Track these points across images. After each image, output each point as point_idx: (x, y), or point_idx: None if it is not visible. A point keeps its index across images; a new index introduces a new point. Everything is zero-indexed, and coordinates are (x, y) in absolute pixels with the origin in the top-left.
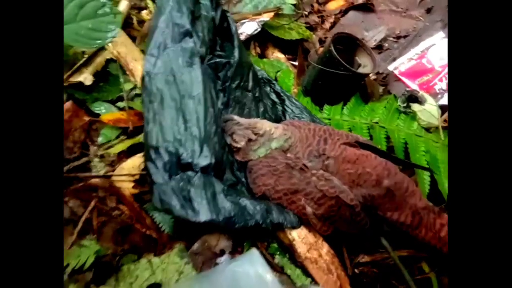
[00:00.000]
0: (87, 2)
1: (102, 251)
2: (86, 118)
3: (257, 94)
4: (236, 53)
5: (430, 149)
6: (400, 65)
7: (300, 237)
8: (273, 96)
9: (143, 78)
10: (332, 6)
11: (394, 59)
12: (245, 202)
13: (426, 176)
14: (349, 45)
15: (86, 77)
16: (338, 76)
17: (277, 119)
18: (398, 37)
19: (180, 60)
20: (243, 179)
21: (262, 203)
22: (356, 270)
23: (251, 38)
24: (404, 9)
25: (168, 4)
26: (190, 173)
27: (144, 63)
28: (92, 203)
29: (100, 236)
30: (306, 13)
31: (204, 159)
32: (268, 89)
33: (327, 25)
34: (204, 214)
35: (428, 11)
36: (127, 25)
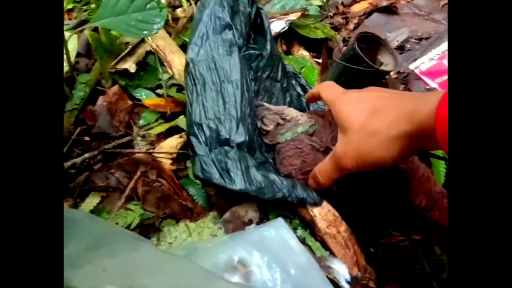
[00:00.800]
0: None
1: (146, 215)
2: (129, 102)
3: (284, 85)
4: (268, 46)
5: None
6: (420, 65)
7: (320, 214)
8: (299, 89)
9: (187, 65)
10: (356, 8)
11: (415, 59)
12: (274, 177)
13: (442, 168)
14: (372, 44)
15: (130, 65)
16: (360, 72)
17: (302, 109)
18: (420, 39)
19: (220, 49)
20: (271, 160)
21: (289, 180)
22: (371, 249)
23: (278, 35)
24: (427, 13)
25: (211, 0)
26: (227, 148)
27: (188, 51)
28: (138, 173)
29: (144, 202)
30: (331, 14)
31: (240, 136)
32: (294, 82)
33: (351, 26)
34: (239, 183)
35: None
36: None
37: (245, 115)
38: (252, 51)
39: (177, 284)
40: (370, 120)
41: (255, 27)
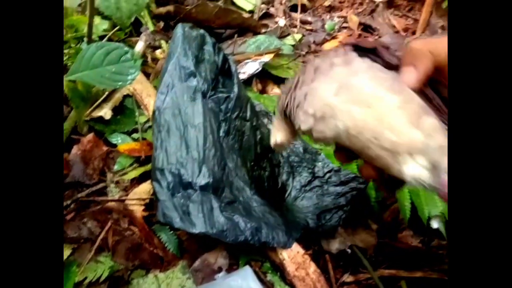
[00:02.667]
0: (113, 49)
1: (115, 267)
2: (105, 148)
3: (254, 123)
4: (235, 88)
5: None
6: None
7: (289, 256)
8: (270, 126)
9: (154, 113)
10: (327, 47)
11: None
12: (239, 219)
13: (407, 203)
14: None
15: (106, 112)
16: None
17: (271, 147)
18: None
19: (185, 96)
20: (240, 198)
21: (253, 222)
22: None
23: (253, 76)
24: (394, 50)
25: (176, 51)
26: (190, 191)
27: (156, 100)
28: (109, 224)
29: (114, 253)
30: (304, 53)
31: (203, 179)
32: (265, 120)
33: None
34: (200, 226)
35: None
36: (142, 63)
37: (209, 156)
38: (220, 95)
39: None
40: None
41: (224, 72)
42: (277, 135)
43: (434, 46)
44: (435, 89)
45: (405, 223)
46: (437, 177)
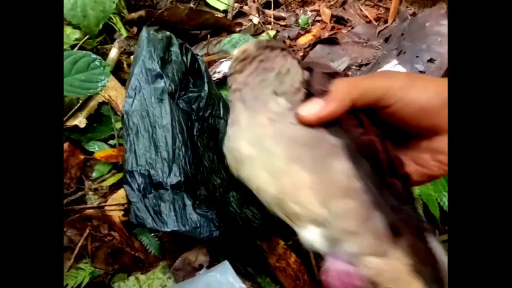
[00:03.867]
0: (80, 58)
1: (96, 272)
2: (81, 156)
3: (228, 120)
4: (205, 87)
5: None
6: None
7: (269, 249)
8: None
9: (122, 117)
10: (301, 41)
11: None
12: (213, 215)
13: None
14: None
15: (80, 121)
16: None
17: None
18: (360, 65)
19: (153, 98)
20: (217, 194)
21: (239, 213)
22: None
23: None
24: (366, 40)
25: (142, 54)
26: (162, 191)
27: (124, 104)
28: (87, 231)
29: (94, 259)
30: None
31: (174, 178)
32: None
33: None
34: (171, 225)
35: (386, 40)
36: (118, 69)
37: (179, 155)
38: (191, 94)
39: None
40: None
41: (193, 72)
42: None
43: (357, 86)
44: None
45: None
46: (332, 248)
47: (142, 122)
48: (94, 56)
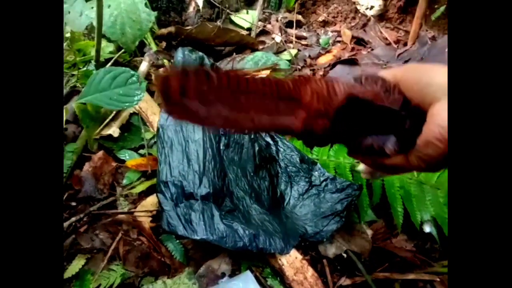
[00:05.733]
0: (120, 73)
1: (126, 274)
2: (114, 164)
3: (252, 136)
4: None
5: (404, 185)
6: None
7: (288, 262)
8: (268, 139)
9: (158, 130)
10: (322, 61)
11: None
12: (238, 226)
13: (400, 208)
14: None
15: (114, 130)
16: None
17: (271, 157)
18: None
19: None
20: (240, 207)
21: (252, 230)
22: None
23: None
24: (385, 62)
25: None
26: (192, 201)
27: (159, 118)
28: (119, 235)
29: (125, 261)
30: (300, 67)
31: (204, 189)
32: (263, 133)
33: (317, 77)
34: (201, 233)
35: (405, 62)
36: (147, 82)
37: (209, 168)
38: None
39: None
40: None
41: None
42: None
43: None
44: None
45: (398, 228)
46: None
47: (176, 136)
48: (132, 72)
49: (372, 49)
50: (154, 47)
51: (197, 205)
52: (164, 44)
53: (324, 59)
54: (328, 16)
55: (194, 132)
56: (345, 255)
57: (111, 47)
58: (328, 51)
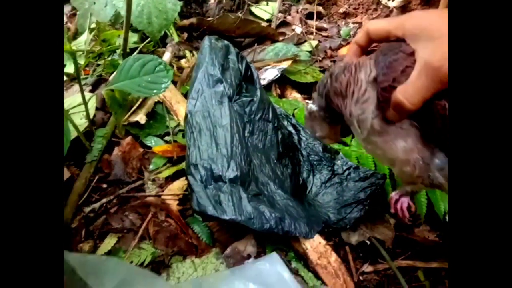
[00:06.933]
0: (148, 61)
1: (156, 253)
2: (141, 150)
3: (276, 124)
4: (258, 92)
5: None
6: None
7: (312, 246)
8: (290, 128)
9: (186, 116)
10: (343, 52)
11: None
12: (264, 209)
13: (423, 198)
14: None
15: (141, 117)
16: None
17: (293, 145)
18: None
19: (213, 101)
20: (265, 192)
21: (278, 212)
22: (360, 278)
23: (272, 81)
24: None
25: (204, 61)
26: (220, 183)
27: (187, 104)
28: (149, 215)
29: (155, 241)
30: (320, 58)
31: (232, 172)
32: (285, 122)
33: None
34: (230, 213)
35: None
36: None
37: (236, 153)
38: (244, 98)
39: None
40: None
41: (247, 78)
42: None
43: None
44: None
45: (421, 218)
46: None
47: (204, 121)
48: (160, 60)
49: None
50: (176, 38)
51: (226, 187)
52: (185, 35)
53: (345, 50)
54: (349, 7)
55: (222, 118)
56: (368, 242)
57: (135, 37)
58: (349, 42)
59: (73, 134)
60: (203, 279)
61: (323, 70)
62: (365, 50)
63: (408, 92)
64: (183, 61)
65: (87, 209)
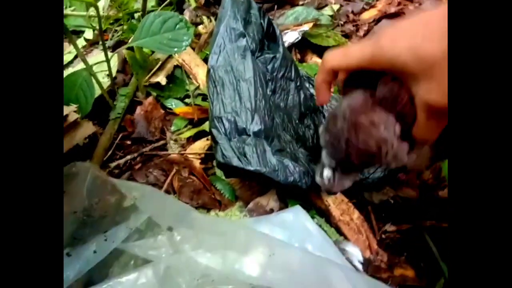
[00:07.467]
0: (169, 18)
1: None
2: (162, 111)
3: (298, 84)
4: (280, 49)
5: None
6: None
7: (334, 203)
8: (312, 90)
9: (208, 71)
10: (366, 16)
11: None
12: (288, 162)
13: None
14: None
15: (161, 79)
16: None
17: (314, 107)
18: None
19: (236, 55)
20: (288, 149)
21: (301, 166)
22: (383, 236)
23: (293, 45)
24: None
25: (226, 14)
26: (244, 136)
27: (209, 60)
28: (174, 171)
29: (180, 194)
30: (342, 22)
31: (256, 126)
32: (307, 84)
33: (361, 32)
34: (255, 164)
35: None
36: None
37: (259, 107)
38: (267, 55)
39: None
40: (442, 44)
41: (268, 35)
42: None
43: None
44: None
45: (446, 180)
46: None
47: (226, 75)
48: (180, 16)
49: (420, 4)
50: (193, 4)
51: (250, 140)
52: (202, 0)
53: (368, 15)
54: None
55: (245, 72)
56: (391, 200)
57: (152, 2)
58: (373, 6)
59: (97, 92)
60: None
61: (345, 35)
62: (335, 78)
63: (423, 133)
64: (200, 27)
65: (113, 165)
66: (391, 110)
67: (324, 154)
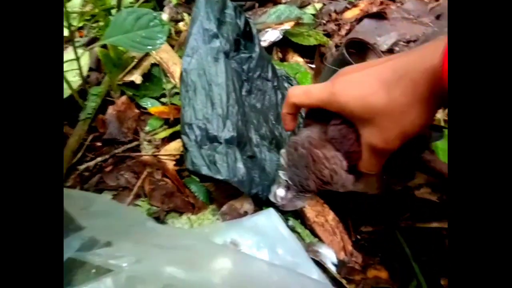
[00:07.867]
0: (143, 15)
1: (152, 209)
2: (136, 111)
3: (275, 84)
4: (256, 49)
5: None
6: None
7: (309, 205)
8: None
9: (181, 74)
10: (348, 15)
11: None
12: (256, 173)
13: None
14: (361, 49)
15: (136, 77)
16: None
17: None
18: (408, 42)
19: (209, 57)
20: (258, 155)
21: (266, 179)
22: (358, 236)
23: (274, 44)
24: (416, 16)
25: (199, 15)
26: (216, 144)
27: (182, 62)
28: (145, 173)
29: (151, 198)
30: (324, 21)
31: (227, 133)
32: (286, 84)
33: (343, 32)
34: (224, 174)
35: (437, 17)
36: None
37: (232, 112)
38: (242, 55)
39: None
40: (391, 97)
41: (245, 34)
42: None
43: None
44: None
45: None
46: None
47: (199, 79)
48: (155, 14)
49: (402, 3)
50: (174, 0)
51: (221, 148)
52: None
53: (351, 14)
54: None
55: (217, 76)
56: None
57: None
58: (355, 5)
59: (67, 92)
60: (198, 230)
61: (327, 34)
62: (298, 111)
63: (367, 167)
64: (181, 24)
65: (82, 167)
66: (340, 149)
67: (281, 173)
